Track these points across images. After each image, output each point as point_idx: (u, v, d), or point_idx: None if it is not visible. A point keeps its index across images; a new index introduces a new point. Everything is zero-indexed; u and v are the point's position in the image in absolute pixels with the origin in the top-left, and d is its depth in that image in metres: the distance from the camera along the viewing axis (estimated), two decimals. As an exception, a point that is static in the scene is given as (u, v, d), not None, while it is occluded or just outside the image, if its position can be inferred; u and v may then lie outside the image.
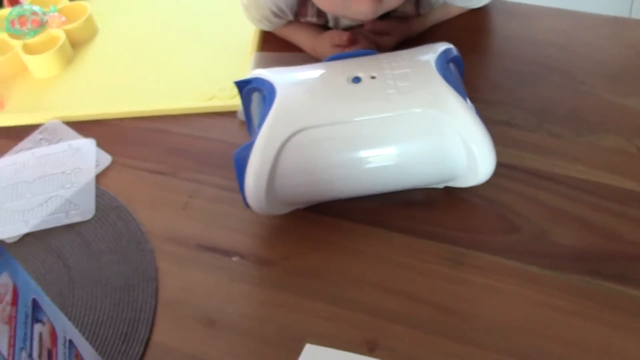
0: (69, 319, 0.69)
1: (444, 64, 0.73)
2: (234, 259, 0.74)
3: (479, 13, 0.98)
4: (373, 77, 0.71)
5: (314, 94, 0.72)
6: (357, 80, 0.71)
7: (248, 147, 0.69)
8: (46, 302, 0.55)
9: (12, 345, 0.47)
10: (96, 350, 0.67)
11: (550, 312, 0.66)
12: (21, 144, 0.90)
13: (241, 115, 0.87)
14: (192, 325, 0.69)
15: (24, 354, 0.48)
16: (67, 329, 0.58)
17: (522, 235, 0.72)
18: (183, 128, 0.90)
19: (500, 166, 0.73)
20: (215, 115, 0.91)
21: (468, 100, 0.71)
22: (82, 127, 0.91)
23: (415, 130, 0.70)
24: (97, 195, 0.82)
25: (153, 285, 0.73)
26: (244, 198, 0.71)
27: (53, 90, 0.99)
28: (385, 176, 0.72)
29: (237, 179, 0.70)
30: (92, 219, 0.80)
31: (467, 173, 0.72)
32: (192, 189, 0.82)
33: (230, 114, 0.90)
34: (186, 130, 0.89)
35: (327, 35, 0.92)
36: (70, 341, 0.58)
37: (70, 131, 0.91)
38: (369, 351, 0.65)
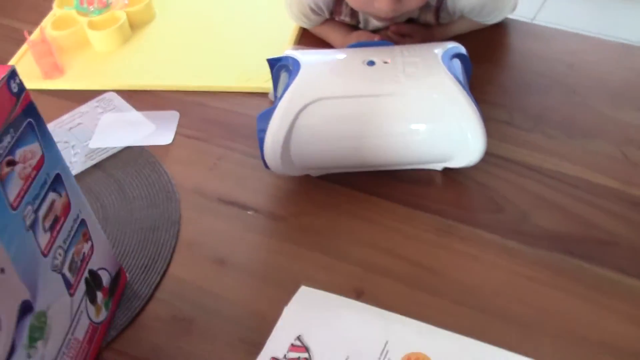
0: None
1: (450, 57, 0.82)
2: (250, 212, 0.83)
3: (498, 30, 1.06)
4: (386, 62, 0.81)
5: (332, 71, 0.83)
6: (371, 63, 0.81)
7: (270, 111, 0.79)
8: (70, 182, 0.64)
9: (20, 196, 0.56)
10: (120, 275, 0.77)
11: (523, 280, 0.73)
12: (79, 108, 1.01)
13: (271, 96, 0.97)
14: (205, 263, 0.78)
15: (29, 207, 0.57)
16: (83, 210, 0.66)
17: (506, 215, 0.80)
18: (221, 103, 1.00)
19: (495, 157, 0.82)
20: (249, 95, 1.01)
21: (467, 91, 0.79)
22: (133, 96, 1.02)
23: (417, 110, 0.79)
24: (136, 152, 0.93)
25: (175, 228, 0.82)
26: (263, 156, 0.80)
27: (110, 63, 1.10)
28: (387, 151, 0.81)
29: (258, 138, 0.79)
30: (129, 170, 0.90)
31: (460, 152, 0.80)
32: (221, 153, 0.92)
33: (262, 95, 1.00)
34: (223, 105, 1.00)
35: (356, 34, 1.02)
36: (83, 220, 0.66)
37: (124, 103, 1.01)
38: (356, 297, 0.73)
